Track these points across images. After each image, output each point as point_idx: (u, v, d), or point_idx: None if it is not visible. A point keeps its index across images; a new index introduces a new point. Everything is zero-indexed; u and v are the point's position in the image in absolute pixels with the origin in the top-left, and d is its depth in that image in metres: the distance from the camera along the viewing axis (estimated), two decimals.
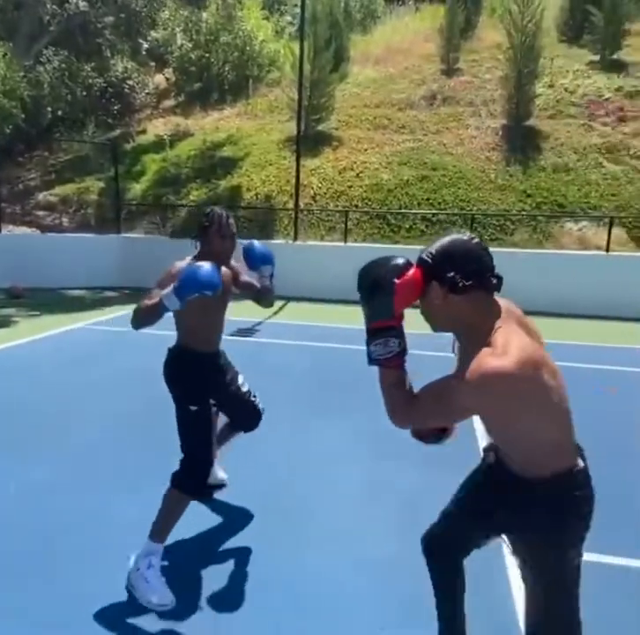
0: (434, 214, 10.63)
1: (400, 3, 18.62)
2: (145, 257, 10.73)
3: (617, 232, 9.50)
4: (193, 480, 2.32)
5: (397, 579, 2.34)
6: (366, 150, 12.19)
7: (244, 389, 2.71)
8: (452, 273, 1.36)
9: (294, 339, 6.76)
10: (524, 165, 11.25)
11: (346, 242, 10.11)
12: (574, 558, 1.46)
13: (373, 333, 1.44)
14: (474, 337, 1.37)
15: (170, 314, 2.24)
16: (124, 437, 3.80)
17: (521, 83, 11.90)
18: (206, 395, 2.44)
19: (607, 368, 5.79)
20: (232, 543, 2.63)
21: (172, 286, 2.09)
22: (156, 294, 2.18)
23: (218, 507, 2.90)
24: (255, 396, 2.75)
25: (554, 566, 1.45)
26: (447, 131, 12.48)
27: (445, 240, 1.43)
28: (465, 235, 1.43)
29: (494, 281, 1.39)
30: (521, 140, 11.73)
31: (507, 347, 1.30)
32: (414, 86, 13.90)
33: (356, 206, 11.02)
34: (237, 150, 12.93)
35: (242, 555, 2.54)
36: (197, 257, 2.37)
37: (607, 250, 9.13)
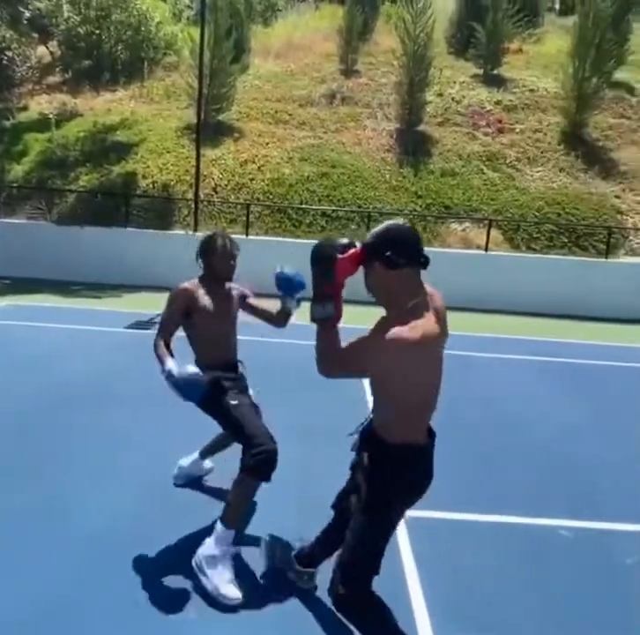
0: (333, 211, 10.97)
1: None
2: (27, 244, 9.97)
3: (494, 233, 10.46)
4: (260, 464, 2.35)
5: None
6: (267, 144, 12.25)
7: (255, 401, 2.73)
8: (389, 252, 1.65)
9: None
10: (415, 168, 11.96)
11: (247, 235, 10.14)
12: (398, 511, 1.81)
13: (316, 298, 1.71)
14: (395, 307, 1.68)
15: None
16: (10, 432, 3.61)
17: (413, 90, 12.61)
18: (234, 388, 2.58)
19: (479, 355, 6.44)
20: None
21: (169, 371, 2.27)
22: (167, 320, 2.57)
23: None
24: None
25: (381, 509, 1.78)
26: (346, 131, 12.90)
27: (383, 226, 1.72)
28: (400, 222, 1.76)
29: (422, 261, 1.70)
30: (413, 144, 12.44)
31: (414, 325, 1.62)
32: (315, 84, 14.17)
33: (258, 199, 11.07)
34: (132, 135, 12.37)
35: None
36: (203, 278, 2.65)
37: (486, 249, 10.04)
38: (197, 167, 10.11)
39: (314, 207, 10.96)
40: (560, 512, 3.03)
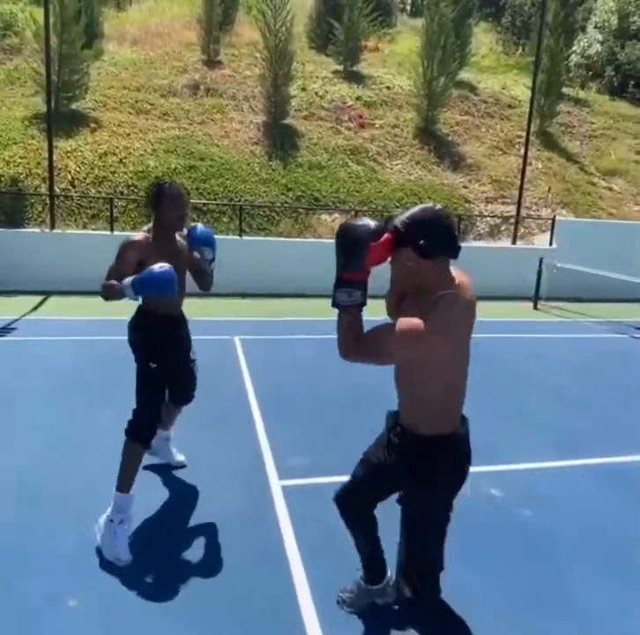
0: (204, 204, 10.80)
1: None
2: None
3: None
4: (138, 428, 2.60)
5: None
6: (128, 135, 11.69)
7: (193, 358, 2.92)
8: (422, 241, 1.57)
9: (56, 335, 6.33)
10: (284, 161, 12.16)
11: (112, 230, 9.63)
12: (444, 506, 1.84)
13: (342, 282, 1.66)
14: (424, 295, 1.62)
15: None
16: None
17: (277, 83, 12.77)
18: (165, 355, 2.63)
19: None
20: None
21: (131, 280, 2.35)
22: (114, 270, 2.50)
23: None
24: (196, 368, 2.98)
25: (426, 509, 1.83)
26: (212, 122, 12.72)
27: (417, 210, 1.62)
28: (434, 205, 1.66)
29: (456, 250, 1.64)
30: (280, 137, 12.63)
31: (442, 312, 1.58)
32: (177, 73, 13.76)
33: (122, 193, 10.54)
34: None
35: None
36: (154, 228, 2.60)
37: None
38: (50, 159, 9.37)
39: None
40: None
